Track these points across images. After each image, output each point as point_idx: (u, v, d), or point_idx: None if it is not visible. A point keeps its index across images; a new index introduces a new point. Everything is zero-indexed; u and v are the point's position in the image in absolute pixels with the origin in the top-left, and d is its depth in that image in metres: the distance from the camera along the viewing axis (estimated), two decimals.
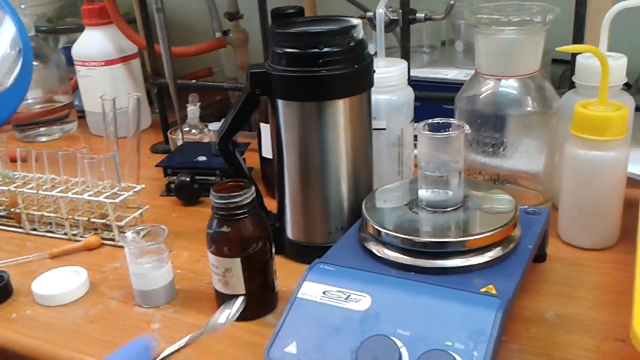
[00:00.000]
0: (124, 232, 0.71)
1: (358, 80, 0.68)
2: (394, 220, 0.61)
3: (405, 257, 0.58)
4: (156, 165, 0.94)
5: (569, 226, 0.73)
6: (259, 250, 0.61)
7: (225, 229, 0.60)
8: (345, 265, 0.58)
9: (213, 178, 0.92)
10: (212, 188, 0.61)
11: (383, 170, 0.80)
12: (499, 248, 0.58)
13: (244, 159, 1.00)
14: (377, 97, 0.77)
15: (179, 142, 1.04)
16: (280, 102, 0.68)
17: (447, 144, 0.60)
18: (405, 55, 0.88)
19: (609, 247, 0.71)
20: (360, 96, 0.69)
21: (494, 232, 0.57)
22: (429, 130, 0.60)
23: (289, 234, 0.74)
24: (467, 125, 0.60)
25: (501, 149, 0.76)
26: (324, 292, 0.55)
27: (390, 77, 0.78)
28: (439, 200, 0.61)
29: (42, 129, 1.28)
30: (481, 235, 0.57)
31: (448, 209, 0.61)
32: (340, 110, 0.68)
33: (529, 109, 0.74)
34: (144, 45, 1.10)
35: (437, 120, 0.61)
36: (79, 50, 1.21)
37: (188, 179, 0.90)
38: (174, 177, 0.92)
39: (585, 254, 0.70)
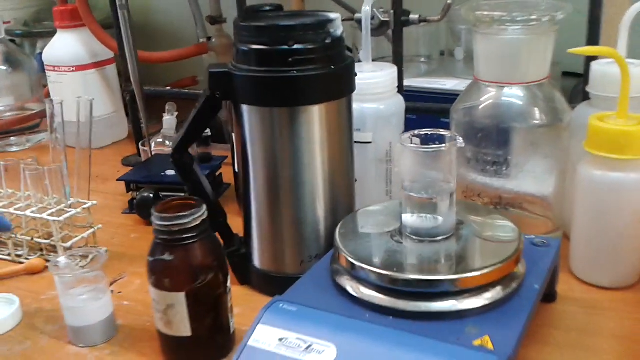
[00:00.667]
0: (58, 256, 0.60)
1: (336, 83, 0.58)
2: (372, 250, 0.51)
3: (383, 297, 0.47)
4: (118, 179, 0.84)
5: (583, 260, 0.62)
6: (209, 284, 0.51)
7: (167, 256, 0.50)
8: (310, 305, 0.47)
9: (181, 194, 0.82)
10: (153, 207, 0.51)
11: (369, 190, 0.70)
12: (498, 288, 0.48)
13: (220, 175, 0.91)
14: (363, 106, 0.68)
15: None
16: (245, 108, 0.58)
17: (437, 160, 0.49)
18: (398, 61, 0.78)
19: (630, 286, 0.60)
20: (338, 102, 0.59)
21: (493, 268, 0.47)
22: (416, 143, 0.50)
23: (256, 261, 0.64)
24: (461, 138, 0.49)
25: (504, 168, 0.65)
26: (280, 339, 0.45)
27: (377, 83, 0.68)
28: (426, 228, 0.51)
29: (12, 138, 1.19)
30: (477, 273, 0.47)
31: (437, 239, 0.51)
32: (315, 118, 0.58)
33: (536, 122, 0.63)
34: (116, 48, 1.01)
35: (425, 131, 0.51)
36: (49, 54, 1.12)
37: (151, 195, 0.80)
38: (138, 193, 0.82)
39: (603, 294, 0.60)
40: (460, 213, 0.54)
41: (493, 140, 0.65)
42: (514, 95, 0.63)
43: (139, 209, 0.80)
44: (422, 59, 1.02)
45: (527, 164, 0.65)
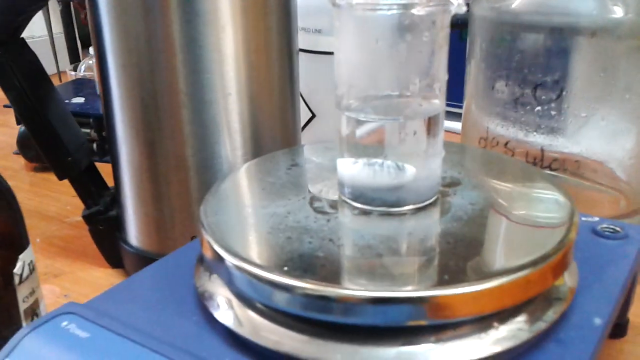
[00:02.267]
0: None
1: None
2: (267, 230, 0.25)
3: (285, 332, 0.22)
4: (5, 106, 0.61)
5: None
6: None
7: None
8: (127, 333, 0.23)
9: (86, 131, 0.59)
10: None
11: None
12: (520, 320, 0.22)
13: None
14: None
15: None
16: None
17: (406, 37, 0.23)
18: None
19: None
20: None
21: (510, 276, 0.21)
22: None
23: (131, 235, 0.39)
24: None
25: (555, 111, 0.39)
26: None
27: None
28: (379, 186, 0.25)
29: None
30: (478, 285, 0.21)
31: (402, 209, 0.25)
32: None
33: (614, 15, 0.37)
34: None
35: None
36: None
37: None
38: None
39: None
40: (458, 164, 0.29)
41: (539, 57, 0.38)
42: None
43: (22, 146, 0.57)
44: None
45: (594, 106, 0.39)
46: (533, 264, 0.21)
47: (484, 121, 0.41)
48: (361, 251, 0.23)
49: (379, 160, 0.25)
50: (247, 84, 0.35)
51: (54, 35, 0.91)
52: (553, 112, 0.39)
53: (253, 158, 0.37)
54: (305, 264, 0.22)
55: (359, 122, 0.25)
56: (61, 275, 0.41)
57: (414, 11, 0.22)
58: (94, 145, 0.58)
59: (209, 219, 0.25)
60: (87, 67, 0.73)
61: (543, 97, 0.38)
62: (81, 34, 0.91)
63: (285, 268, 0.21)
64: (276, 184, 0.28)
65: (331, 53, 0.43)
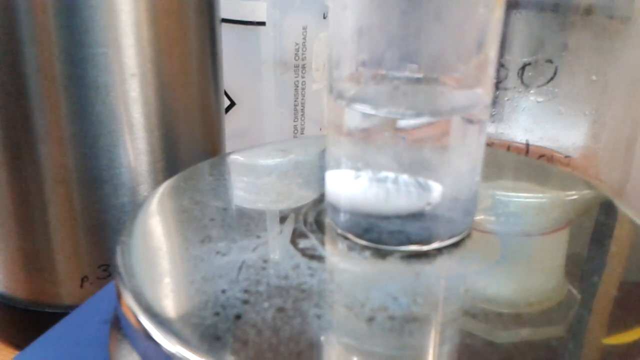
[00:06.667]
0: None
1: None
2: (244, 295, 0.16)
3: None
4: None
5: None
6: None
7: None
8: None
9: None
10: None
11: (259, 121, 0.36)
12: None
13: None
14: None
15: None
16: None
17: None
18: None
19: None
20: None
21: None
22: None
23: None
24: None
25: (545, 96, 0.33)
26: None
27: None
28: (397, 216, 0.17)
29: None
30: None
31: (430, 246, 0.17)
32: None
33: None
34: None
35: None
36: None
37: None
38: None
39: None
40: (492, 176, 0.21)
41: (527, 31, 0.32)
42: None
43: None
44: None
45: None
46: None
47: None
48: (387, 327, 0.14)
49: (391, 175, 0.17)
50: (156, 60, 0.25)
51: None
52: (543, 98, 0.33)
53: (165, 166, 0.27)
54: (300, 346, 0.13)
55: (365, 117, 0.16)
56: None
57: None
58: None
59: (128, 257, 0.16)
60: None
61: (531, 79, 0.31)
62: None
63: None
64: (229, 211, 0.19)
65: (258, 23, 0.34)
